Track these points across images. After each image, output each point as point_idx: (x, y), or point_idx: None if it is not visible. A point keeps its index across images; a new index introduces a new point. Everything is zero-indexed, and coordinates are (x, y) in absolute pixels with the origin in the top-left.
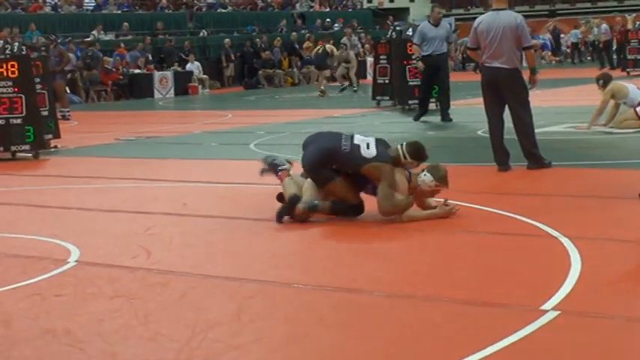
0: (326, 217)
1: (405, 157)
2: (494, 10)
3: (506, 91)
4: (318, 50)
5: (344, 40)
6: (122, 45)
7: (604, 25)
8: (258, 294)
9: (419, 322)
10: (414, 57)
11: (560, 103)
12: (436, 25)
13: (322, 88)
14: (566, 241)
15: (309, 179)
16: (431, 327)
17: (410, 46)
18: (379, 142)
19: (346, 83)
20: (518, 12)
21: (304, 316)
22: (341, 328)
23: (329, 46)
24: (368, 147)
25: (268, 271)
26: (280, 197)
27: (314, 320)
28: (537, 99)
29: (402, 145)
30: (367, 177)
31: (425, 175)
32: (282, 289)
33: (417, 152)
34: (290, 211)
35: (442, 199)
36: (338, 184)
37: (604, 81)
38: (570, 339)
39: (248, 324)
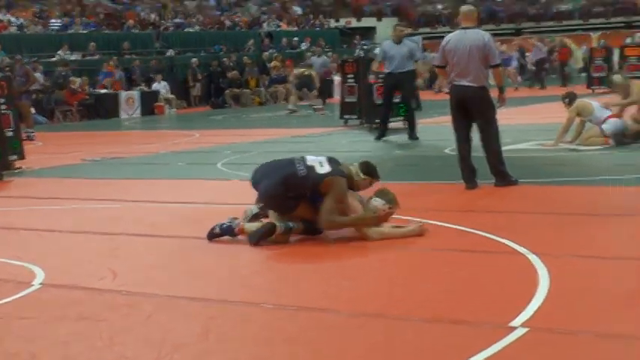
0: (293, 239)
1: (357, 175)
2: (462, 28)
3: (473, 110)
4: (304, 72)
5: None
6: (111, 63)
7: (539, 44)
8: (224, 314)
9: (387, 341)
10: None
11: (527, 121)
12: (398, 42)
13: (291, 106)
14: (533, 258)
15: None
16: (400, 345)
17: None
18: (331, 160)
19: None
20: (485, 30)
21: (271, 335)
22: (309, 347)
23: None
24: (321, 165)
25: (234, 291)
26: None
27: (281, 340)
28: (504, 117)
29: (353, 164)
30: (323, 193)
31: (375, 200)
32: (249, 309)
33: (370, 168)
34: (268, 235)
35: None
36: (301, 209)
37: (569, 99)
38: (539, 356)
39: (215, 344)
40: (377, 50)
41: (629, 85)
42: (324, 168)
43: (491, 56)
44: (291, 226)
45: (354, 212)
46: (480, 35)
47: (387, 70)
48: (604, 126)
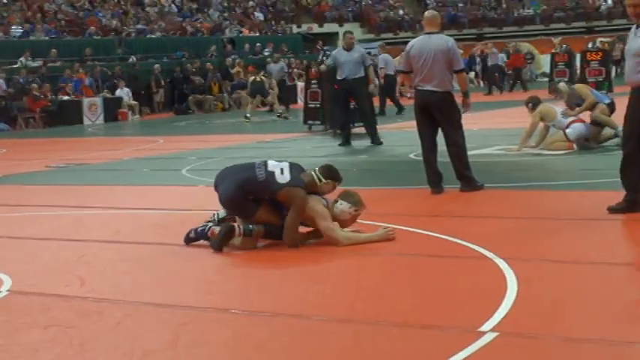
0: (261, 244)
1: (320, 180)
2: (426, 33)
3: (438, 114)
4: (256, 79)
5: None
6: (81, 70)
7: (494, 50)
8: (194, 320)
9: (358, 346)
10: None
11: (491, 126)
12: (349, 49)
13: (248, 115)
14: (501, 263)
15: None
16: (370, 350)
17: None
18: (293, 167)
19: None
20: (447, 35)
21: (242, 342)
22: (280, 353)
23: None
24: (282, 172)
25: (203, 297)
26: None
27: (252, 346)
28: (468, 121)
29: (314, 169)
30: (282, 202)
31: (340, 203)
32: (219, 315)
33: (331, 172)
34: (227, 238)
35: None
36: (262, 212)
37: (533, 104)
38: None
39: (185, 351)
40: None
41: (573, 91)
42: (283, 176)
43: (455, 61)
44: (251, 228)
45: (320, 217)
46: (444, 40)
47: (340, 77)
48: (568, 131)
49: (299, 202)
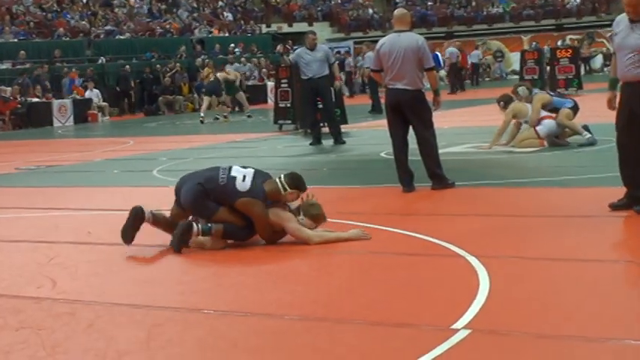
0: (232, 244)
1: (285, 189)
2: (395, 31)
3: (409, 113)
4: (210, 77)
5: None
6: (74, 69)
7: (450, 49)
8: (167, 321)
9: (332, 345)
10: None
11: (462, 124)
12: (312, 49)
13: (202, 114)
14: (473, 260)
15: None
16: (344, 349)
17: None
18: (257, 175)
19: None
20: (417, 34)
21: (216, 342)
22: (255, 353)
23: (220, 74)
24: (244, 179)
25: (176, 298)
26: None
27: (227, 346)
28: (439, 120)
29: (280, 177)
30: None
31: (302, 219)
32: (192, 315)
33: (296, 181)
34: (185, 236)
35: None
36: (223, 212)
37: (505, 102)
38: (482, 357)
39: (159, 351)
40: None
41: (532, 99)
42: (244, 184)
43: (425, 59)
44: (210, 226)
45: (286, 220)
46: (414, 39)
47: (305, 77)
48: (538, 128)
49: (256, 214)
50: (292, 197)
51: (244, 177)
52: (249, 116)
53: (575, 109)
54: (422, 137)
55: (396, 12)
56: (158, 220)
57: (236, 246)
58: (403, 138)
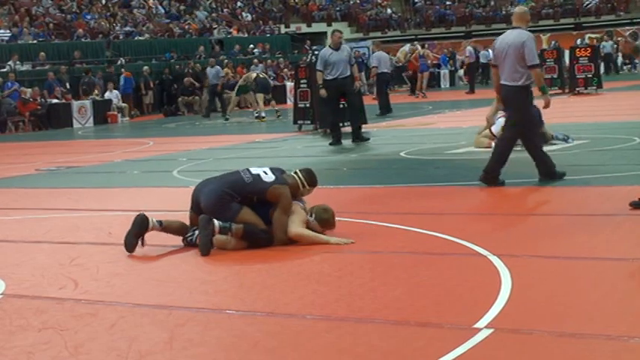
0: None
1: (303, 185)
2: (512, 28)
3: (508, 108)
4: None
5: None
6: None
7: (469, 47)
8: (190, 321)
9: (354, 345)
10: (318, 84)
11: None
12: (337, 48)
13: (259, 112)
14: (495, 259)
15: None
16: (367, 349)
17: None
18: (274, 170)
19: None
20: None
21: (238, 342)
22: (277, 353)
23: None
24: (266, 174)
25: (198, 298)
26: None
27: (249, 346)
28: (459, 119)
29: (296, 172)
30: (269, 201)
31: (312, 219)
32: (214, 316)
33: (312, 178)
34: (209, 236)
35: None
36: (245, 213)
37: None
38: (505, 356)
39: (181, 352)
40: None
41: None
42: (269, 177)
43: (527, 56)
44: (229, 225)
45: (294, 213)
46: (520, 35)
47: (330, 77)
48: (493, 127)
49: (285, 201)
50: (307, 193)
51: (265, 172)
52: (257, 116)
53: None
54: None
55: (516, 9)
56: (168, 227)
57: (256, 247)
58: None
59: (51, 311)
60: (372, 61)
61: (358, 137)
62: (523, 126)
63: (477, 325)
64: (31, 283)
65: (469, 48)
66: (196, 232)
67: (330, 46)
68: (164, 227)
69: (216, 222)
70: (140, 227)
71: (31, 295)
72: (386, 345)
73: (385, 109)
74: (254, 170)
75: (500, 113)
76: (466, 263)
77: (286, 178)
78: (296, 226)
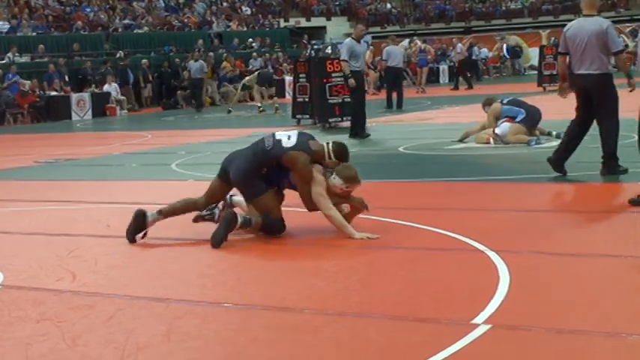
0: (251, 237)
1: (329, 157)
2: (584, 16)
3: (594, 97)
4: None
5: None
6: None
7: (459, 45)
8: (188, 314)
9: (352, 340)
10: (346, 74)
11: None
12: (359, 41)
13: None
14: (493, 255)
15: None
16: (364, 344)
17: (332, 63)
18: (302, 134)
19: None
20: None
21: (236, 335)
22: (274, 347)
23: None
24: (289, 138)
25: (196, 291)
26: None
27: (246, 340)
28: (462, 114)
29: (328, 143)
30: (287, 168)
31: (334, 178)
32: (212, 309)
33: (343, 152)
34: (230, 229)
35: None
36: (267, 196)
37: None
38: (503, 352)
39: (179, 344)
40: (329, 50)
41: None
42: (290, 141)
43: (611, 42)
44: (249, 218)
45: (316, 183)
46: (599, 22)
47: (357, 68)
48: (496, 129)
49: (302, 167)
50: (332, 165)
51: (289, 137)
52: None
53: (526, 120)
54: (601, 123)
55: None
56: (171, 212)
57: (256, 240)
58: (582, 123)
59: (49, 303)
60: (383, 55)
61: (358, 134)
62: (616, 113)
63: (474, 321)
64: (29, 274)
65: (459, 45)
66: (216, 210)
67: (352, 38)
68: (165, 214)
69: (239, 218)
70: (136, 224)
71: (28, 287)
72: (383, 340)
73: (389, 103)
74: (278, 135)
75: (503, 119)
76: (464, 259)
77: (311, 145)
78: (328, 204)
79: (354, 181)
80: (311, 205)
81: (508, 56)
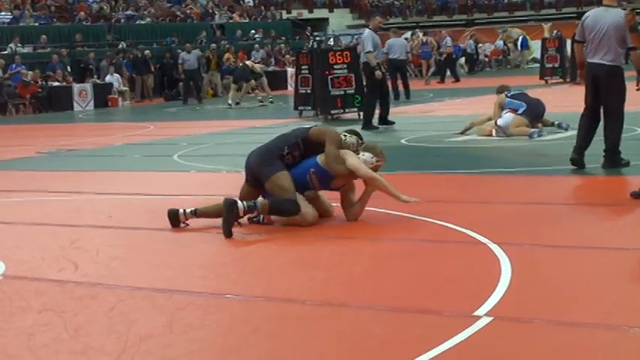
0: (254, 229)
1: (345, 136)
2: (604, 6)
3: (602, 88)
4: (238, 65)
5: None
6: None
7: (448, 38)
8: (189, 305)
9: (354, 331)
10: (373, 65)
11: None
12: (376, 32)
13: (230, 100)
14: (495, 247)
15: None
16: (366, 335)
17: (334, 55)
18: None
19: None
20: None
21: (238, 326)
22: (276, 338)
23: (249, 62)
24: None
25: (198, 282)
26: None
27: (248, 331)
28: (461, 107)
29: (344, 135)
30: (313, 143)
31: (363, 154)
32: (214, 300)
33: (355, 131)
34: (233, 217)
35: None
36: (285, 175)
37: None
38: (504, 344)
39: (181, 335)
40: (331, 42)
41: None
42: (310, 124)
43: (628, 37)
44: (254, 202)
45: (348, 155)
46: (619, 15)
47: (378, 60)
48: (499, 120)
49: (331, 133)
50: (351, 141)
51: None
52: (261, 102)
53: (528, 112)
54: (605, 115)
55: None
56: (203, 213)
57: (259, 232)
58: (592, 115)
59: (51, 293)
60: (384, 47)
61: (384, 121)
62: (621, 106)
63: (476, 313)
64: (31, 265)
65: (448, 38)
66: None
67: (370, 29)
68: (199, 214)
69: (240, 204)
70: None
71: (31, 277)
72: (385, 331)
73: (396, 94)
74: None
75: (506, 110)
76: (466, 251)
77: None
78: (366, 168)
79: (382, 154)
80: (334, 167)
81: (521, 49)
